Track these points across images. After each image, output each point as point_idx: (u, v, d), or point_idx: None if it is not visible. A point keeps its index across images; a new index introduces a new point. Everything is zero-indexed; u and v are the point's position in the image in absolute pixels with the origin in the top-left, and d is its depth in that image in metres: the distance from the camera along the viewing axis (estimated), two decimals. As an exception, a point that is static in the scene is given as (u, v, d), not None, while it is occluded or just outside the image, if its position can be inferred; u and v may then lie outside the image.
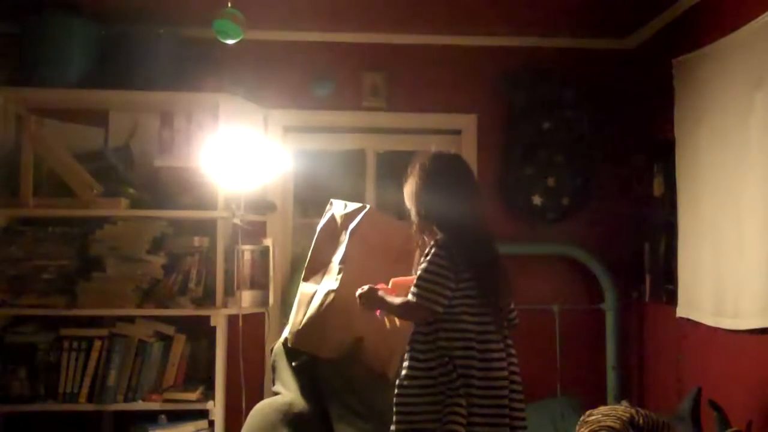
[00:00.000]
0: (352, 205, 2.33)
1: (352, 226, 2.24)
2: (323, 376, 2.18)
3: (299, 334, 2.21)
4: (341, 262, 2.18)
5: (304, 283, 2.32)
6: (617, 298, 3.52)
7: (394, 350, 2.23)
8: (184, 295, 3.18)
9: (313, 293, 2.24)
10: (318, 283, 2.26)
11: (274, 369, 2.36)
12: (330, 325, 2.16)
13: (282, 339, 2.33)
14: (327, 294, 2.16)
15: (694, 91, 2.99)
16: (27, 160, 3.12)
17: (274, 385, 2.33)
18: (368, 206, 2.30)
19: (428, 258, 1.99)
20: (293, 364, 2.24)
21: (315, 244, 2.35)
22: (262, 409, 2.25)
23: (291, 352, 2.27)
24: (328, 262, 2.26)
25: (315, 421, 2.12)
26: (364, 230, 2.23)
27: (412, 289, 1.96)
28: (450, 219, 2.06)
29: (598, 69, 3.64)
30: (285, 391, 2.22)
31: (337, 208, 2.36)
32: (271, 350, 2.40)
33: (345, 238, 2.23)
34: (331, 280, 2.19)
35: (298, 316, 2.26)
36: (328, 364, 2.19)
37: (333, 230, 2.33)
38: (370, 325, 2.13)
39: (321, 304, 2.16)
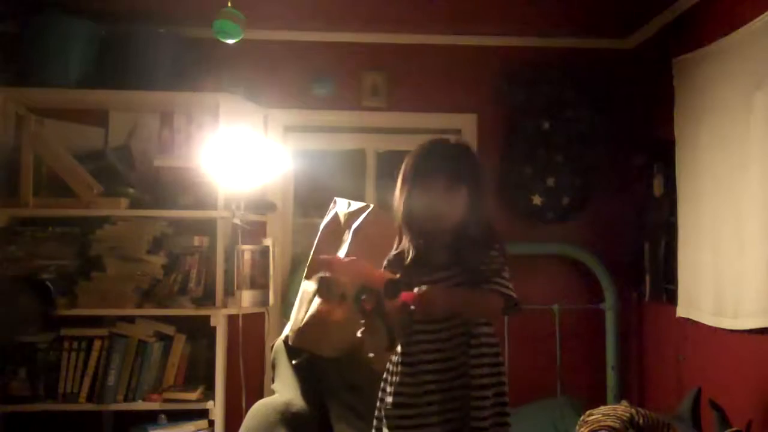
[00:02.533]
0: (356, 204, 2.32)
1: (355, 225, 2.23)
2: (323, 375, 2.18)
3: (300, 332, 2.20)
4: None
5: (306, 281, 2.32)
6: (617, 298, 3.52)
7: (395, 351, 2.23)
8: (184, 295, 3.18)
9: (314, 291, 2.24)
10: None
11: (274, 367, 2.35)
12: (331, 324, 2.15)
13: (283, 337, 2.32)
14: None
15: (694, 91, 2.99)
16: (27, 160, 3.12)
17: (273, 383, 2.32)
18: (372, 205, 2.29)
19: (502, 265, 1.87)
20: (293, 362, 2.23)
21: (318, 242, 2.35)
22: (261, 408, 2.24)
23: (292, 350, 2.26)
24: None
25: (313, 421, 2.12)
26: (368, 229, 2.22)
27: (504, 284, 1.84)
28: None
29: (598, 69, 3.64)
30: (284, 390, 2.22)
31: (341, 206, 2.35)
32: (272, 348, 2.40)
33: (348, 237, 2.22)
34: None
35: (299, 314, 2.25)
36: (328, 363, 2.19)
37: (336, 228, 2.32)
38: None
39: (323, 303, 2.16)
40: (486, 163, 3.75)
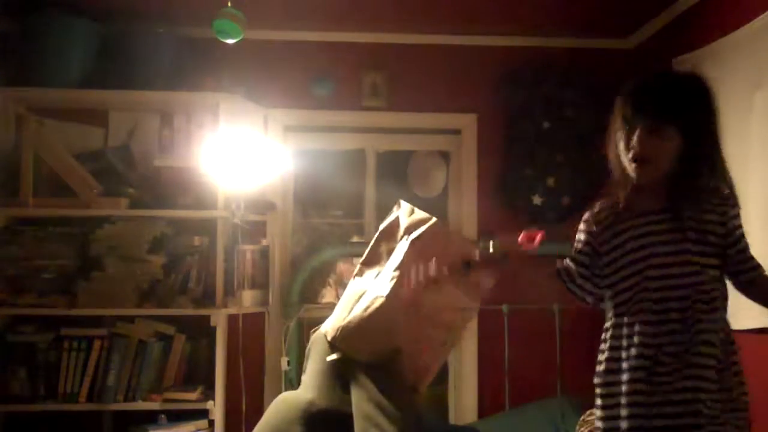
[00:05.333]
0: (420, 213, 2.27)
1: (414, 235, 2.20)
2: (355, 375, 2.15)
3: (341, 331, 2.18)
4: (396, 268, 2.14)
5: (357, 279, 2.29)
6: (617, 298, 3.51)
7: (430, 367, 2.20)
8: (184, 295, 3.18)
9: (362, 293, 2.22)
10: (369, 282, 2.24)
11: (306, 357, 2.33)
12: (371, 330, 2.12)
13: (323, 329, 2.29)
14: (375, 298, 2.12)
15: (694, 91, 2.98)
16: (27, 160, 3.12)
17: (303, 373, 2.31)
18: (435, 219, 2.25)
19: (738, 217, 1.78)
20: (327, 358, 2.21)
21: (374, 242, 2.31)
22: (283, 403, 2.22)
23: (330, 345, 2.24)
24: (383, 263, 2.23)
25: (334, 421, 2.10)
26: (426, 242, 2.17)
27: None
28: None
29: (598, 69, 3.64)
30: (311, 384, 2.20)
31: (404, 211, 2.31)
32: (312, 331, 2.36)
33: (405, 245, 2.18)
34: (382, 284, 2.15)
35: (343, 312, 2.22)
36: (362, 364, 2.16)
37: (394, 233, 2.28)
38: (410, 338, 2.11)
39: (367, 307, 2.13)
40: (486, 163, 3.78)
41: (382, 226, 2.30)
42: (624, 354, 1.81)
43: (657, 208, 1.79)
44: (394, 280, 2.10)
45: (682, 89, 1.79)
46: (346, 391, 2.11)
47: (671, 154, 1.73)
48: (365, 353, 2.13)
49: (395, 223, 2.26)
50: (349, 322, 2.14)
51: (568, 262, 2.02)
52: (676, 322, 1.73)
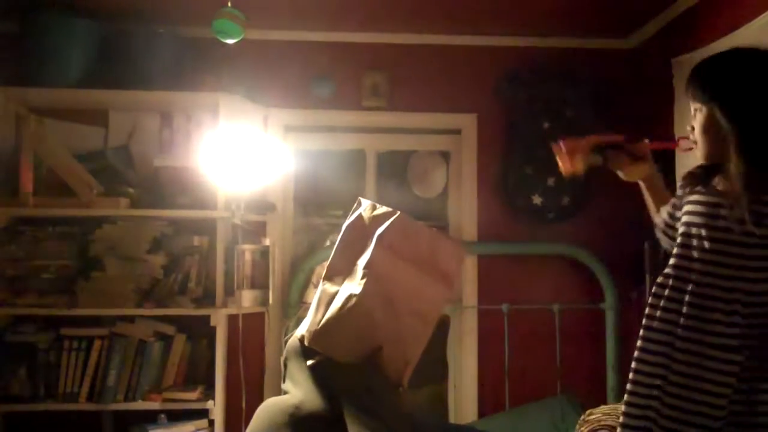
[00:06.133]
0: (382, 208, 2.27)
1: (380, 230, 2.19)
2: (338, 376, 2.15)
3: (317, 333, 2.18)
4: (366, 266, 2.13)
5: (326, 282, 2.29)
6: (617, 298, 3.52)
7: (410, 361, 2.20)
8: (184, 295, 3.18)
9: (334, 293, 2.21)
10: (340, 284, 2.23)
11: (285, 365, 2.32)
12: (348, 329, 2.11)
13: (298, 335, 2.29)
14: (349, 297, 2.12)
15: (694, 90, 2.98)
16: (27, 160, 3.12)
17: (284, 381, 2.30)
18: (399, 212, 2.25)
19: None
20: (308, 363, 2.21)
21: (339, 243, 2.31)
22: (268, 408, 2.22)
23: (306, 349, 2.24)
24: (353, 263, 2.22)
25: (322, 425, 2.10)
26: (392, 237, 2.17)
27: None
28: None
29: (598, 69, 3.64)
30: (295, 390, 2.20)
31: (366, 208, 2.31)
32: (285, 341, 2.36)
33: (372, 242, 2.18)
34: (353, 284, 2.15)
35: (317, 315, 2.22)
36: (344, 365, 2.16)
37: (359, 231, 2.27)
38: (389, 334, 2.10)
39: (341, 307, 2.12)
40: (486, 163, 3.79)
41: (345, 225, 2.29)
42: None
43: (720, 190, 1.67)
44: (366, 278, 2.09)
45: (728, 66, 1.66)
46: (332, 394, 2.11)
47: (713, 137, 1.63)
48: (344, 354, 2.13)
49: (359, 222, 2.26)
50: (325, 323, 2.14)
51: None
52: (686, 317, 1.67)
